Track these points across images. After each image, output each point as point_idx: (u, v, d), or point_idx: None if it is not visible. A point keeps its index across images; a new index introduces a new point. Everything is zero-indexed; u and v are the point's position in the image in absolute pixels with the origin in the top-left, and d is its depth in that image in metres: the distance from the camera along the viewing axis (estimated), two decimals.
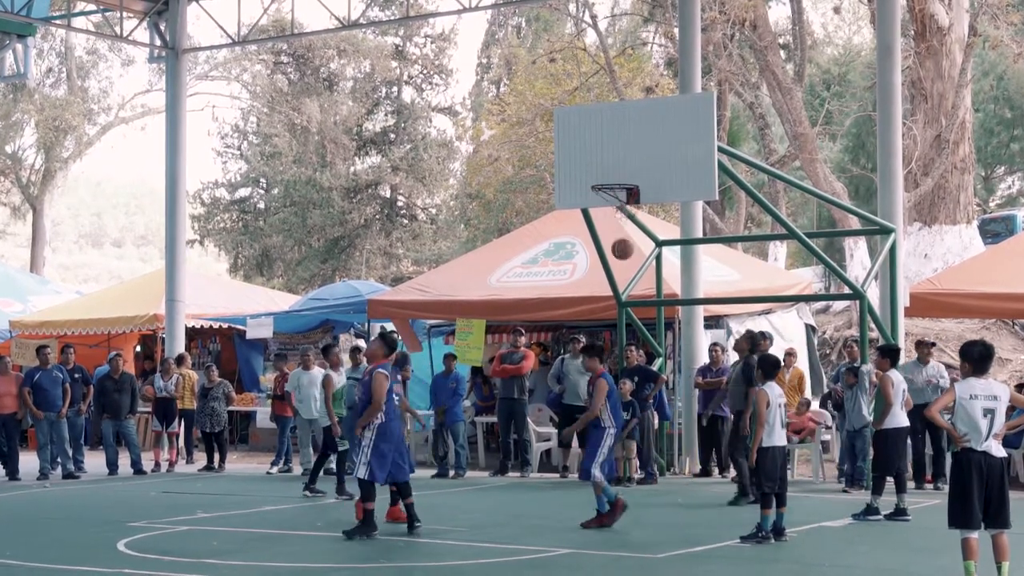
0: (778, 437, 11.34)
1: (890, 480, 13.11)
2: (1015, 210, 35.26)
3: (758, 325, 20.00)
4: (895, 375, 13.20)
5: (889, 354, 13.53)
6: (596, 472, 12.35)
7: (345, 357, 18.58)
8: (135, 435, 20.19)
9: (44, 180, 47.05)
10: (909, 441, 14.15)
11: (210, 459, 20.16)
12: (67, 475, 18.93)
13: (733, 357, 18.45)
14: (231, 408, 21.12)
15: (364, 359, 19.08)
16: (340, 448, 15.23)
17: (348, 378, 19.04)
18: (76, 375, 19.89)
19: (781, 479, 11.40)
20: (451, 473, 18.12)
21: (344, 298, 24.37)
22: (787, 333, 20.23)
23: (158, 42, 23.93)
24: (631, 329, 18.17)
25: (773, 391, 11.40)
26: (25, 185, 47.38)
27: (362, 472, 11.80)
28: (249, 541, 12.07)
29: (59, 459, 19.19)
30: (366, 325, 23.02)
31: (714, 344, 17.99)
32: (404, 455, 12.08)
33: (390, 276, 45.69)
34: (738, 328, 19.49)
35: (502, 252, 22.06)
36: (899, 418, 13.02)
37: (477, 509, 14.44)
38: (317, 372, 16.77)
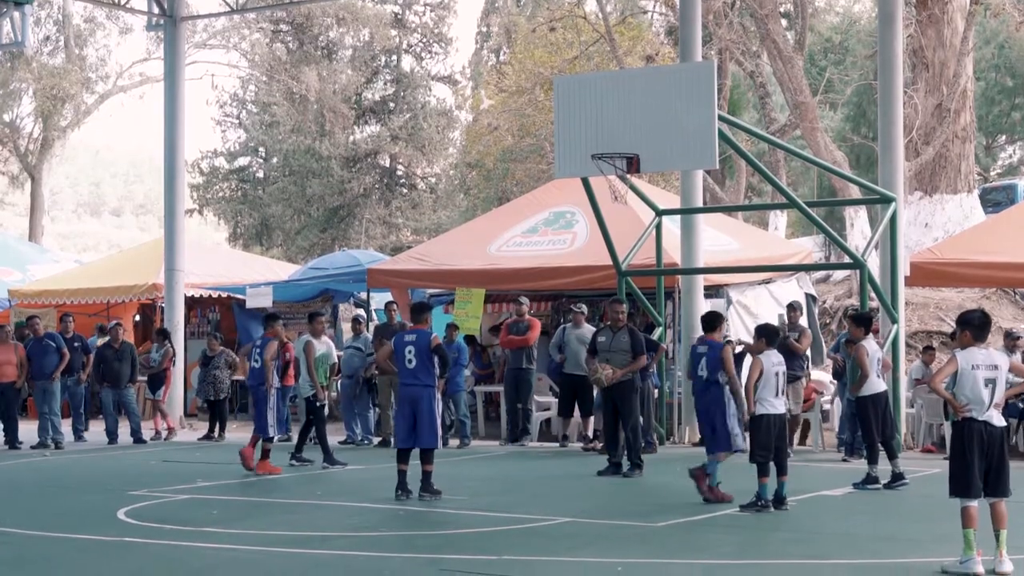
0: (774, 405, 11.35)
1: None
2: (1016, 179, 35.18)
3: (758, 294, 20.01)
4: (869, 343, 13.21)
5: (863, 322, 13.51)
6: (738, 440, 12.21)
7: (347, 327, 18.63)
8: (135, 404, 20.20)
9: (42, 149, 46.91)
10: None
11: (211, 428, 20.19)
12: (57, 445, 18.80)
13: (735, 328, 18.45)
14: (232, 378, 21.10)
15: (364, 328, 19.29)
16: (320, 403, 15.38)
17: (348, 347, 19.18)
18: (75, 344, 19.90)
19: (779, 448, 11.42)
20: (456, 443, 18.14)
21: (343, 267, 24.32)
22: (787, 302, 20.20)
23: (156, 10, 23.78)
24: (631, 298, 18.14)
25: (770, 359, 11.41)
26: (23, 154, 47.24)
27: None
28: (249, 509, 12.11)
29: (48, 430, 18.96)
30: (366, 294, 23.00)
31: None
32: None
33: (389, 245, 45.66)
34: (738, 298, 19.49)
35: (502, 221, 22.01)
36: (876, 384, 13.04)
37: (476, 477, 14.46)
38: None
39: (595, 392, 17.20)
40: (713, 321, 12.94)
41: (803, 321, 17.79)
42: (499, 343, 19.71)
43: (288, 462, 15.53)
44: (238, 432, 21.44)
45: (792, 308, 17.27)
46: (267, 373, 14.98)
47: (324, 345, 15.91)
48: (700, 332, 17.87)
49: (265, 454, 14.98)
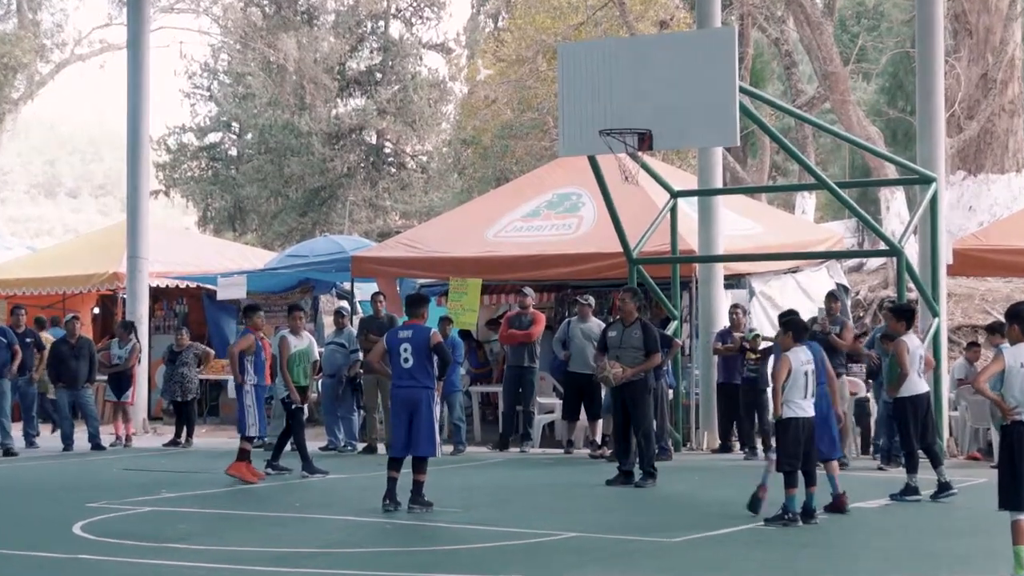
0: (803, 408, 11.31)
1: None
2: None
3: (784, 284, 19.99)
4: (911, 339, 13.14)
5: (903, 315, 13.41)
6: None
7: (328, 320, 18.56)
8: (93, 406, 20.14)
9: None
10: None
11: (178, 432, 20.14)
12: (6, 451, 18.74)
13: (759, 322, 18.42)
14: (201, 376, 21.05)
15: (348, 322, 19.24)
16: (295, 406, 15.32)
17: (329, 343, 19.13)
18: (28, 339, 19.82)
19: (807, 454, 11.38)
20: (449, 449, 18.09)
21: (325, 255, 24.28)
22: (816, 294, 20.17)
23: None
24: (644, 289, 18.08)
25: (798, 356, 11.36)
26: None
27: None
28: (220, 523, 12.05)
29: None
30: (349, 285, 22.96)
31: (735, 306, 17.93)
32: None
33: (376, 230, 45.58)
34: (762, 288, 19.45)
35: (500, 204, 21.98)
36: (916, 384, 12.98)
37: (473, 487, 14.41)
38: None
39: (603, 393, 17.16)
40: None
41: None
42: (499, 338, 19.66)
43: (263, 470, 15.46)
44: (207, 437, 21.41)
45: (833, 298, 17.20)
46: (232, 365, 14.95)
47: (304, 341, 15.87)
48: (720, 326, 17.99)
49: (241, 455, 14.93)
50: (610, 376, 14.25)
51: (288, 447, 15.87)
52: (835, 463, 12.21)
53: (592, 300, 17.97)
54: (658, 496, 13.76)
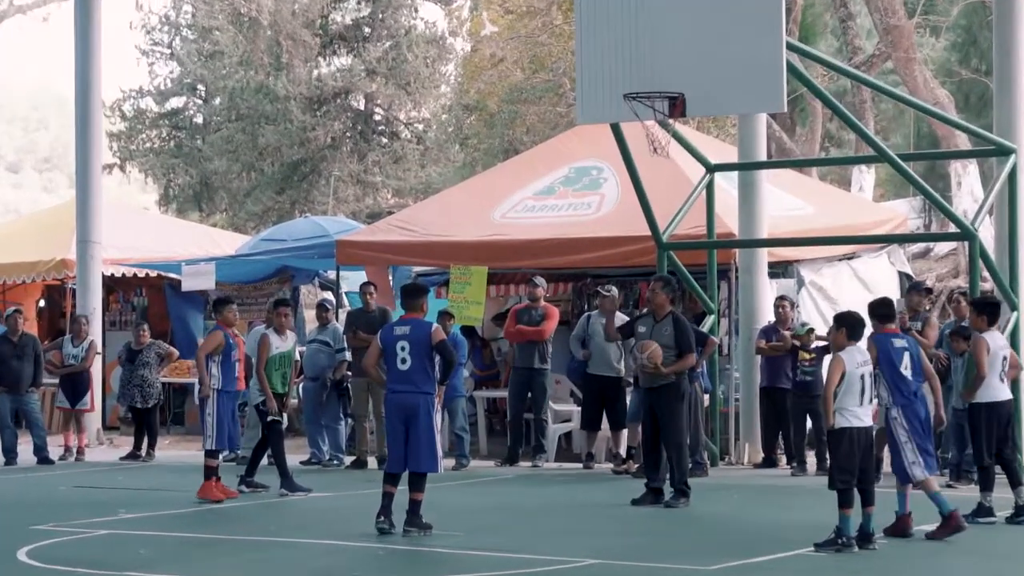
0: (858, 417, 11.35)
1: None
2: None
3: (838, 273, 19.99)
4: (993, 337, 13.13)
5: (986, 309, 13.41)
6: (917, 472, 12.10)
7: (310, 315, 18.59)
8: (39, 414, 20.21)
9: None
10: None
11: (136, 443, 20.20)
12: None
13: (808, 317, 18.42)
14: (163, 379, 21.09)
15: (333, 317, 19.29)
16: (272, 419, 15.33)
17: (312, 341, 19.18)
18: None
19: (865, 471, 11.42)
20: (450, 463, 18.15)
21: (306, 239, 24.31)
22: (875, 283, 20.19)
23: None
24: (675, 278, 18.08)
25: (853, 357, 11.40)
26: None
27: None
28: (185, 548, 12.10)
29: None
30: (334, 273, 22.98)
31: (781, 298, 17.95)
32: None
33: (365, 211, 45.63)
34: (812, 278, 19.45)
35: (509, 180, 21.99)
36: (996, 390, 13.00)
37: (478, 507, 14.49)
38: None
39: (629, 399, 17.20)
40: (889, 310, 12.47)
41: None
42: (504, 334, 19.69)
43: (237, 487, 15.53)
44: (171, 449, 21.48)
45: (916, 290, 17.19)
46: (200, 369, 15.02)
47: (289, 342, 15.79)
48: (764, 321, 18.02)
49: (207, 472, 15.00)
50: (647, 361, 14.11)
51: (265, 461, 15.94)
52: (932, 480, 12.10)
53: (615, 291, 17.88)
54: (691, 517, 13.81)
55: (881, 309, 12.19)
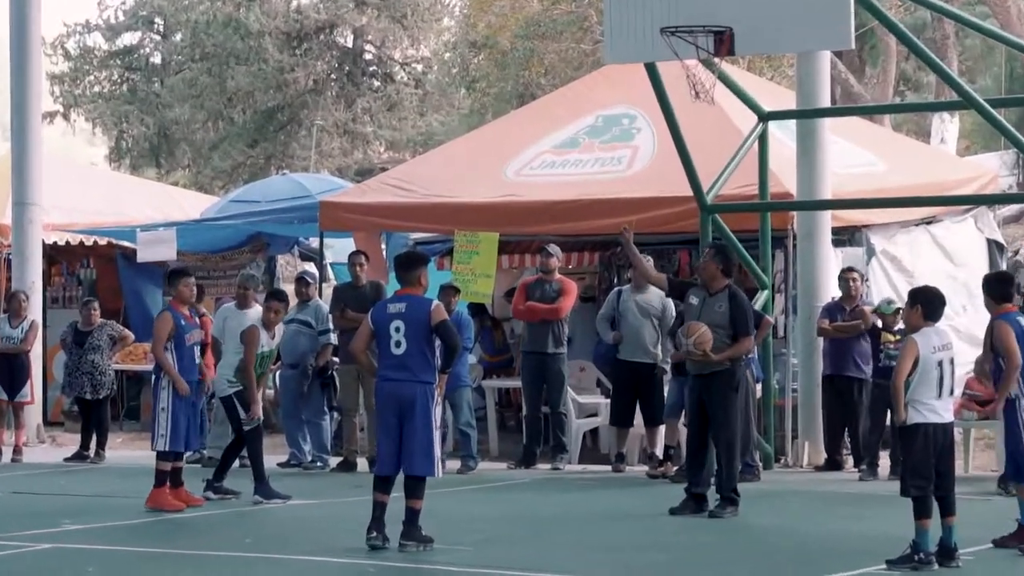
0: (936, 411, 11.35)
1: None
2: None
3: (915, 240, 19.96)
4: None
5: None
6: None
7: (289, 290, 18.56)
8: None
9: None
10: None
11: (84, 442, 20.25)
12: None
13: (881, 290, 18.40)
14: (116, 366, 21.11)
15: (315, 293, 19.31)
16: (247, 427, 15.36)
17: (290, 321, 19.17)
18: None
19: (944, 475, 11.43)
20: (455, 465, 18.21)
21: (284, 200, 24.32)
22: (959, 253, 20.19)
23: None
24: (721, 246, 18.09)
25: (929, 340, 11.36)
26: None
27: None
28: (140, 565, 12.16)
29: None
30: (317, 241, 22.98)
31: (848, 269, 17.93)
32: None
33: (353, 167, 45.71)
34: (885, 246, 19.44)
35: (524, 130, 21.98)
36: None
37: (487, 517, 14.52)
38: (256, 312, 16.87)
39: (667, 390, 17.22)
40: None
41: None
42: (512, 312, 19.66)
43: (202, 493, 15.60)
44: (125, 448, 21.51)
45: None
46: (157, 355, 15.05)
47: (273, 340, 15.69)
48: (828, 298, 18.01)
49: (160, 479, 15.04)
50: (695, 346, 14.08)
51: (236, 463, 16.00)
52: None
53: (651, 262, 17.95)
54: (740, 529, 13.83)
55: (999, 286, 12.14)
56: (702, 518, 14.21)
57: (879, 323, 17.21)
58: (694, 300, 14.53)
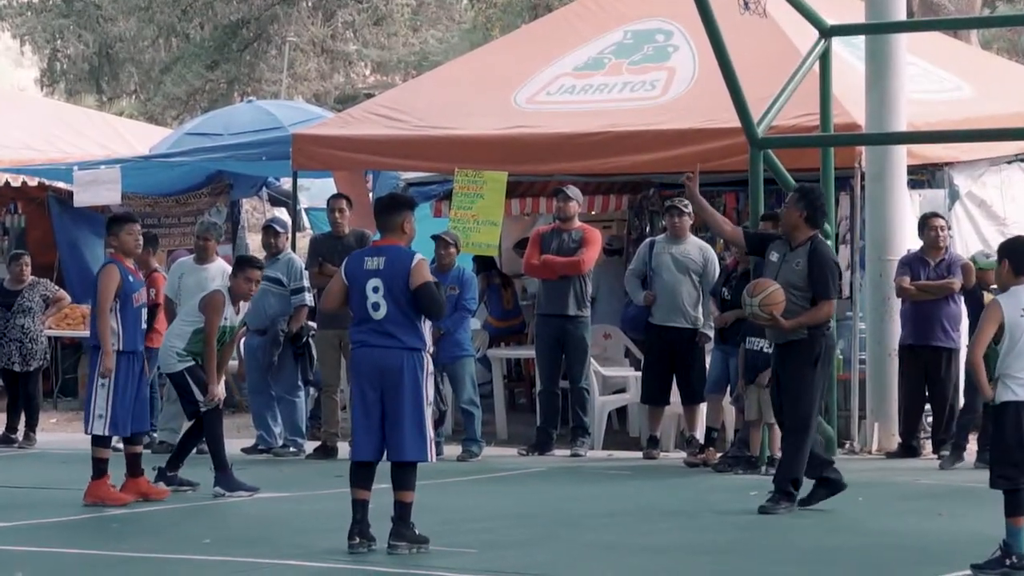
0: None
1: None
2: None
3: (1006, 181, 19.97)
4: None
5: None
6: None
7: (255, 241, 18.61)
8: None
9: None
10: None
11: (10, 422, 20.33)
12: None
13: (967, 241, 18.40)
14: (50, 332, 21.18)
15: (287, 244, 19.32)
16: (205, 408, 15.39)
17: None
18: None
19: None
20: (456, 451, 18.29)
21: (250, 132, 24.35)
22: None
23: None
24: (775, 189, 18.13)
25: (1017, 301, 11.28)
26: None
27: None
28: (80, 570, 12.21)
29: None
30: (290, 182, 23.00)
31: (932, 215, 17.89)
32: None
33: (334, 93, 45.70)
34: (971, 187, 19.43)
35: (538, 49, 22.00)
36: None
37: (494, 513, 14.57)
38: (218, 268, 16.84)
39: (709, 361, 17.24)
40: None
41: None
42: (523, 268, 19.63)
43: (155, 484, 15.63)
44: (60, 430, 21.58)
45: None
46: (100, 322, 14.94)
47: (240, 313, 15.72)
48: (904, 249, 18.01)
49: (98, 469, 15.04)
50: (767, 309, 13.96)
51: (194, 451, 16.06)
52: None
53: (691, 207, 17.95)
54: (792, 528, 13.84)
55: None
56: (753, 515, 14.17)
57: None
58: (774, 257, 14.36)
